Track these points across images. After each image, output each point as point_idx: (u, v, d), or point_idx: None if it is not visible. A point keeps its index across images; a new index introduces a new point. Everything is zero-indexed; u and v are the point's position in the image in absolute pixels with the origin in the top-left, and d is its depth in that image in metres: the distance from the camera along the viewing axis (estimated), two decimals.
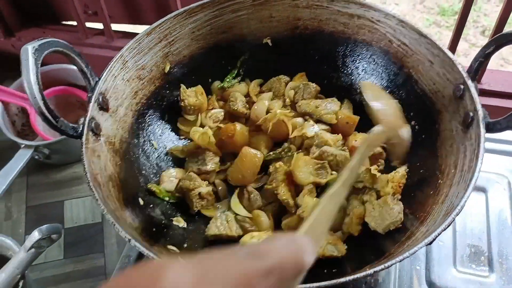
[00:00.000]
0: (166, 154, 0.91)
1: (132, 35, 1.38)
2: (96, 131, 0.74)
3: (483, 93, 1.17)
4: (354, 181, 0.64)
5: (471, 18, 2.34)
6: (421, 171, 0.80)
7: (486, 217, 0.90)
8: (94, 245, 1.13)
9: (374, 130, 0.70)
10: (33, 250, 0.79)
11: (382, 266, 0.59)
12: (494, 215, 0.91)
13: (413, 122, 0.85)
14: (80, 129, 0.72)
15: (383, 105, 0.77)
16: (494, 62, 2.12)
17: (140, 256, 0.87)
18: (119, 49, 0.83)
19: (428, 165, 0.79)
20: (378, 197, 0.77)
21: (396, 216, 0.74)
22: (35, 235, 0.78)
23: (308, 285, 0.58)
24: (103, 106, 0.77)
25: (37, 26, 1.47)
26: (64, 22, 1.51)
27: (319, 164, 0.82)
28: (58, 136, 1.19)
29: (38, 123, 1.22)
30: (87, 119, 0.73)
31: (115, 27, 1.41)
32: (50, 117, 0.67)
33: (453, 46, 1.16)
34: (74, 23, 1.43)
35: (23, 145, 1.14)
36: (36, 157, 1.19)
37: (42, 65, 1.29)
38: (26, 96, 0.67)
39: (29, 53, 0.66)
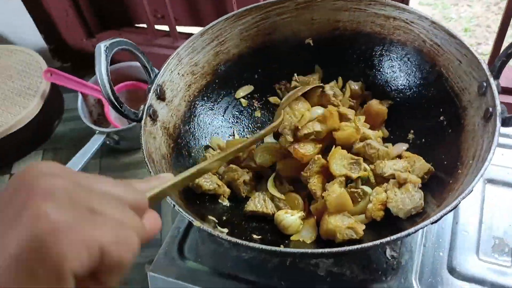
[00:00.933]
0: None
1: None
2: (153, 117, 0.88)
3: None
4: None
5: None
6: (445, 162, 0.85)
7: None
8: None
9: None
10: None
11: (388, 239, 0.66)
12: None
13: (441, 117, 0.90)
14: (140, 114, 0.86)
15: None
16: None
17: (189, 227, 0.99)
18: None
19: (451, 157, 0.84)
20: (400, 186, 0.84)
21: (417, 202, 0.80)
22: None
23: (321, 250, 0.67)
24: (160, 96, 0.91)
25: (114, 28, 1.67)
26: (137, 25, 1.69)
27: (354, 160, 0.89)
28: (126, 124, 1.36)
29: (110, 113, 1.40)
30: (146, 106, 0.87)
31: (180, 29, 1.57)
32: (116, 103, 0.81)
33: (496, 48, 1.18)
34: (145, 25, 1.60)
35: (97, 131, 1.32)
36: (108, 142, 1.36)
37: (115, 62, 1.47)
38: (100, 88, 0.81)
39: (101, 50, 0.80)
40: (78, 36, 1.67)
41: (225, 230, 0.81)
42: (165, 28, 1.58)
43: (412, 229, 0.66)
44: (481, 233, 0.91)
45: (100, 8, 1.65)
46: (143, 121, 0.85)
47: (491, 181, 0.99)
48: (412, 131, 0.97)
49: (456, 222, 0.93)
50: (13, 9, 1.59)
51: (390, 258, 0.88)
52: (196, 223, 0.72)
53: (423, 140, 0.94)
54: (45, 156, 1.52)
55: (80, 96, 1.41)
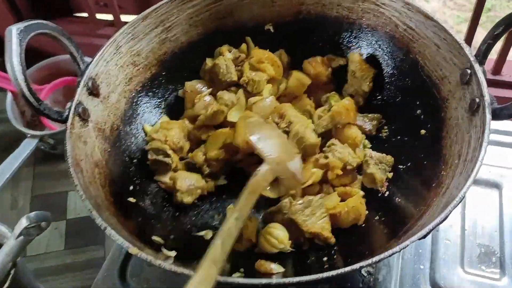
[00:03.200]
0: None
1: None
2: (83, 116, 0.73)
3: (502, 85, 1.10)
4: (241, 226, 0.60)
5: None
6: (425, 162, 0.75)
7: (499, 215, 0.84)
8: (95, 236, 1.13)
9: (258, 171, 0.66)
10: (22, 237, 0.78)
11: (370, 261, 0.54)
12: (508, 213, 0.84)
13: (418, 111, 0.80)
14: (66, 113, 0.71)
15: (262, 140, 0.72)
16: None
17: None
18: None
19: (432, 156, 0.74)
20: None
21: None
22: (23, 222, 0.77)
23: (297, 278, 0.55)
24: (93, 91, 0.76)
25: (50, 17, 1.49)
26: (77, 14, 1.52)
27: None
28: (64, 126, 1.19)
29: None
30: (74, 103, 0.72)
31: (125, 18, 1.41)
32: (32, 100, 0.66)
33: (469, 38, 1.09)
34: (86, 14, 1.44)
35: (29, 135, 1.15)
36: (42, 147, 1.19)
37: (51, 55, 1.30)
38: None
39: (13, 34, 0.65)
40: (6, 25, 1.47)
41: (173, 253, 0.67)
42: (109, 17, 1.42)
43: (396, 248, 0.54)
44: (465, 240, 0.81)
45: None
46: (69, 122, 0.70)
47: None
48: (385, 128, 0.86)
49: (437, 230, 0.83)
50: None
51: (366, 275, 0.77)
52: (133, 250, 0.57)
53: (399, 137, 0.84)
54: None
55: (9, 95, 1.23)
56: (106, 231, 0.59)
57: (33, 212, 0.79)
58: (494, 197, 0.86)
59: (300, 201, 0.74)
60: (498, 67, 1.09)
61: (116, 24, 1.39)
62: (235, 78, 0.88)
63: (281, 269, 0.68)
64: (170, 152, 0.81)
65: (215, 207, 0.83)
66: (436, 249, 0.80)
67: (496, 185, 0.88)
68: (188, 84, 0.90)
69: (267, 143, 0.72)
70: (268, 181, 0.69)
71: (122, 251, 0.84)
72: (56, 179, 1.23)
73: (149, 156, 0.82)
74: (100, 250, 1.13)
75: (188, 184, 0.79)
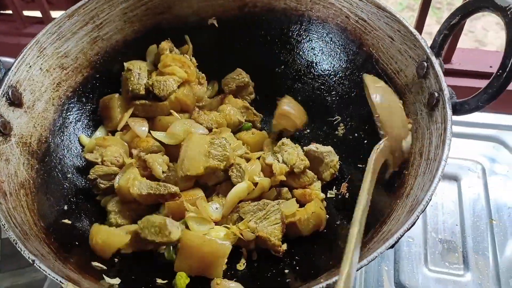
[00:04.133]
0: None
1: None
2: (3, 130, 0.63)
3: (453, 73, 1.09)
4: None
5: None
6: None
7: (459, 208, 0.82)
8: None
9: (380, 146, 0.62)
10: None
11: (334, 279, 0.49)
12: (468, 206, 0.83)
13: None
14: None
15: (387, 113, 0.66)
16: (468, 44, 2.05)
17: None
18: None
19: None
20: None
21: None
22: None
23: None
24: (15, 101, 0.66)
25: None
26: (1, 12, 1.37)
27: None
28: None
29: None
30: None
31: (55, 14, 1.29)
32: None
33: (419, 27, 1.07)
34: (11, 12, 1.29)
35: None
36: None
37: None
38: None
39: None
40: None
41: (116, 280, 0.59)
42: (37, 13, 1.29)
43: (364, 261, 0.50)
44: (427, 237, 0.79)
45: None
46: None
47: None
48: (342, 125, 0.82)
49: None
50: None
51: None
52: (67, 285, 0.50)
53: (356, 134, 0.79)
54: None
55: None
56: (35, 264, 0.51)
57: None
58: (453, 190, 0.85)
59: (255, 203, 0.69)
60: (448, 56, 1.08)
61: (46, 21, 1.26)
62: (142, 92, 0.78)
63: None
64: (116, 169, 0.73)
65: None
66: (399, 249, 0.78)
67: (454, 178, 0.86)
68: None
69: (390, 115, 0.66)
70: (386, 155, 0.63)
71: None
72: None
73: (100, 186, 0.73)
74: (40, 272, 1.02)
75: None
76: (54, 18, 1.26)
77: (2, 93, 0.64)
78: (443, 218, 0.81)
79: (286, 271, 0.65)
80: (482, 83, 1.11)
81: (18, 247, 0.52)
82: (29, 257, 0.51)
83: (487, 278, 0.74)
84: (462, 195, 0.84)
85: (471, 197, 0.85)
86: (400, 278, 0.74)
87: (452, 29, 0.65)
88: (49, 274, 0.50)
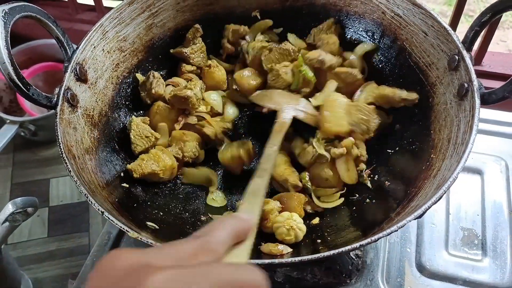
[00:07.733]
0: None
1: None
2: (72, 102, 0.71)
3: (484, 75, 1.13)
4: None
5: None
6: (413, 146, 0.77)
7: (481, 200, 0.87)
8: (79, 223, 1.10)
9: (277, 120, 0.78)
10: (7, 223, 0.76)
11: (369, 240, 0.55)
12: (490, 198, 0.87)
13: None
14: (55, 99, 0.69)
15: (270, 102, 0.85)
16: (498, 47, 2.07)
17: (121, 234, 0.84)
18: None
19: (420, 141, 0.75)
20: None
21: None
22: (9, 207, 0.75)
23: (291, 259, 0.56)
24: (81, 77, 0.74)
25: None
26: None
27: None
28: (45, 112, 1.16)
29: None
30: (63, 89, 0.70)
31: (107, 3, 1.38)
32: (20, 84, 0.64)
33: (453, 25, 1.12)
34: None
35: (8, 121, 1.11)
36: (22, 133, 1.16)
37: (29, 39, 1.25)
38: None
39: None
40: None
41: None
42: (89, 1, 1.38)
43: (394, 227, 0.56)
44: (449, 224, 0.84)
45: None
46: (58, 107, 0.68)
47: None
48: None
49: None
50: None
51: (354, 257, 0.79)
52: (133, 233, 0.57)
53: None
54: None
55: None
56: (104, 215, 0.58)
57: (19, 198, 0.76)
58: (477, 183, 0.89)
59: None
60: (479, 57, 1.12)
61: (98, 9, 1.35)
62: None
63: (289, 250, 0.68)
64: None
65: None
66: (422, 233, 0.83)
67: (478, 171, 0.91)
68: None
69: (274, 101, 0.84)
70: (287, 123, 0.79)
71: (111, 237, 0.83)
72: (37, 166, 1.20)
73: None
74: (84, 238, 1.11)
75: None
76: (106, 7, 1.35)
77: (71, 69, 0.72)
78: (465, 208, 0.86)
79: (318, 241, 0.71)
80: None
81: (89, 200, 0.60)
82: (98, 209, 0.59)
83: (504, 263, 0.79)
84: (484, 187, 0.88)
85: (493, 190, 0.89)
86: (421, 260, 0.79)
87: (483, 26, 0.70)
88: (116, 224, 0.57)
